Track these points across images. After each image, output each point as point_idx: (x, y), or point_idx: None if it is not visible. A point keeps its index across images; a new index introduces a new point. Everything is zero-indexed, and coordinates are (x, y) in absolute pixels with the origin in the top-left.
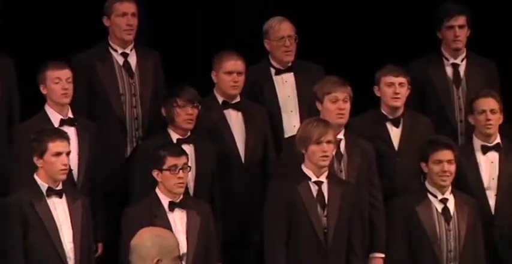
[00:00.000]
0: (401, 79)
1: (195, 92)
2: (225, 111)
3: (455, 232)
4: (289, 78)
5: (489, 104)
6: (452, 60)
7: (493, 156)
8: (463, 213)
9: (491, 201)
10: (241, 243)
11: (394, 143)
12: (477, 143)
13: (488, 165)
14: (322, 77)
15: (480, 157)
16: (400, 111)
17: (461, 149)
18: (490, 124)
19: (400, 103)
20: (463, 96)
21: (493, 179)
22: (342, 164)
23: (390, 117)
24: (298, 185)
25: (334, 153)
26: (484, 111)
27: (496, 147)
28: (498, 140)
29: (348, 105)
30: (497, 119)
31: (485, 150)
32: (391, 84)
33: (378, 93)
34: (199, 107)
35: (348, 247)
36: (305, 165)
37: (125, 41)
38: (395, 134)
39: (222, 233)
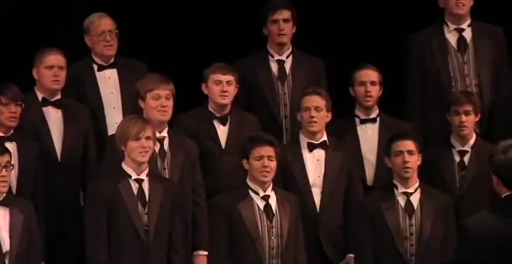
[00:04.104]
0: (230, 77)
1: (18, 90)
2: (44, 109)
3: (277, 229)
4: (112, 74)
5: (314, 101)
6: (277, 57)
7: (319, 153)
8: (285, 210)
9: (317, 199)
10: (60, 241)
11: (221, 141)
12: (303, 140)
13: (314, 163)
14: (145, 73)
15: (306, 154)
16: (228, 109)
17: (287, 146)
18: (314, 121)
19: (227, 101)
20: (289, 92)
21: (319, 176)
22: (166, 161)
23: (217, 115)
24: (119, 182)
25: (158, 151)
26: (308, 109)
27: (322, 145)
28: (324, 137)
29: (170, 103)
30: (322, 116)
31: (311, 147)
32: (219, 82)
33: (205, 91)
34: (23, 105)
35: (169, 245)
36: (125, 162)
37: None
38: (222, 132)
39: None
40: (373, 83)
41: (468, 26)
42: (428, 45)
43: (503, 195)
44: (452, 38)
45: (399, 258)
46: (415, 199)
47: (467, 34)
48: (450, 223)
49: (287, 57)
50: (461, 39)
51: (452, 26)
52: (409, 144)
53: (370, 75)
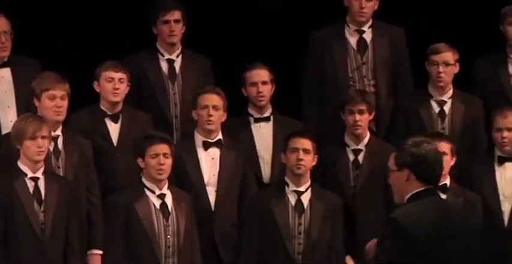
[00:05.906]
0: (122, 75)
1: None
2: None
3: (173, 227)
4: (5, 73)
5: (213, 100)
6: (167, 56)
7: (214, 152)
8: (180, 208)
9: (211, 197)
10: None
11: (113, 139)
12: (198, 138)
13: (209, 161)
14: (39, 72)
15: (201, 153)
16: (119, 107)
17: (182, 144)
18: (211, 120)
19: (119, 98)
20: (179, 91)
21: (214, 175)
22: (60, 160)
23: (109, 113)
24: (15, 181)
25: (52, 149)
26: (206, 107)
27: (217, 143)
28: (220, 136)
29: (65, 103)
30: (219, 115)
31: (206, 146)
32: (111, 79)
33: (97, 89)
34: None
35: (65, 243)
36: (21, 161)
37: None
38: (114, 129)
39: None
40: (264, 83)
41: (369, 27)
42: (328, 45)
43: (414, 191)
44: (352, 39)
45: (286, 256)
46: (305, 198)
47: (368, 35)
48: (338, 224)
49: (177, 56)
50: (361, 41)
51: (353, 27)
52: (305, 143)
53: (261, 75)
